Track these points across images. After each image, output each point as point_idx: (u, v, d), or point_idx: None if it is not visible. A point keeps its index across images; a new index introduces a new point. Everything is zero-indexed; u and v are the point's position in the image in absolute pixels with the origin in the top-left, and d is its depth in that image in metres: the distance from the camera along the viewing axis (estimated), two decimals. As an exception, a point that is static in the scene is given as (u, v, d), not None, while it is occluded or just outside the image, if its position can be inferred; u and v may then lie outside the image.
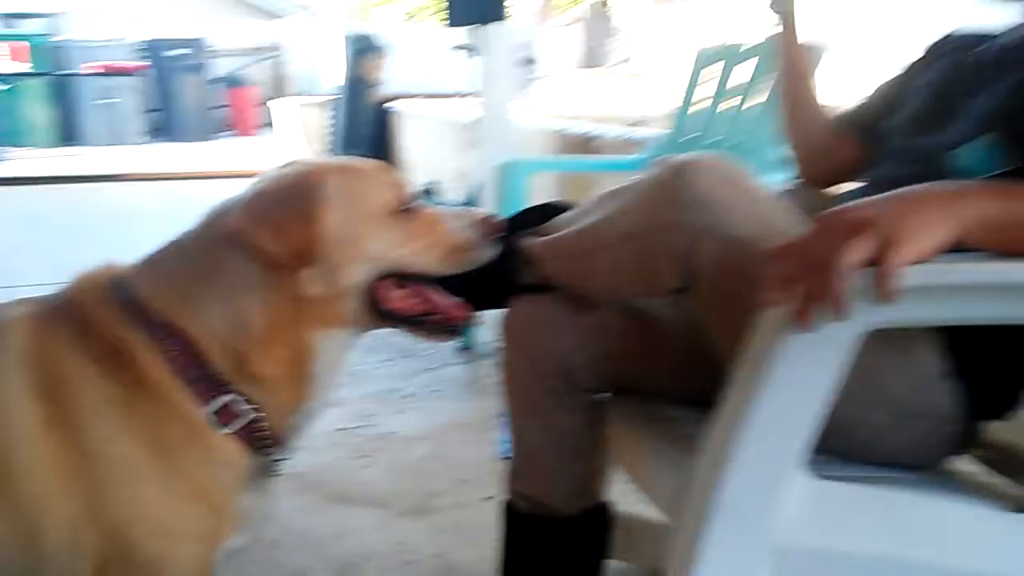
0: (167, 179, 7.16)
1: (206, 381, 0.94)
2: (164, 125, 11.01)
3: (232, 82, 11.73)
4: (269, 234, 0.94)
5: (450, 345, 2.68)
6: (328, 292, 0.97)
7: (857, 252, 0.72)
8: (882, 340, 0.84)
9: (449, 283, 1.09)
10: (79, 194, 6.56)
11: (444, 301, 1.07)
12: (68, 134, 10.47)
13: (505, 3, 3.16)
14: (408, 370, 2.54)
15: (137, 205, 6.11)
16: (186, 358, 0.94)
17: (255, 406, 0.97)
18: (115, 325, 0.94)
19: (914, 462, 0.97)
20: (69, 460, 0.90)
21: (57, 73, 10.54)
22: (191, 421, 0.94)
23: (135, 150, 8.04)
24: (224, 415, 0.95)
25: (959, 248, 0.77)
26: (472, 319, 1.10)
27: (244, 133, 11.67)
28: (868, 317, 0.77)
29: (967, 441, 0.99)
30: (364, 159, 1.07)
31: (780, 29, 1.38)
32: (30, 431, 0.89)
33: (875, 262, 0.73)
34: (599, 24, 13.30)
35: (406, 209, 1.03)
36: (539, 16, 13.54)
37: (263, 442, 0.99)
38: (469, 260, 1.07)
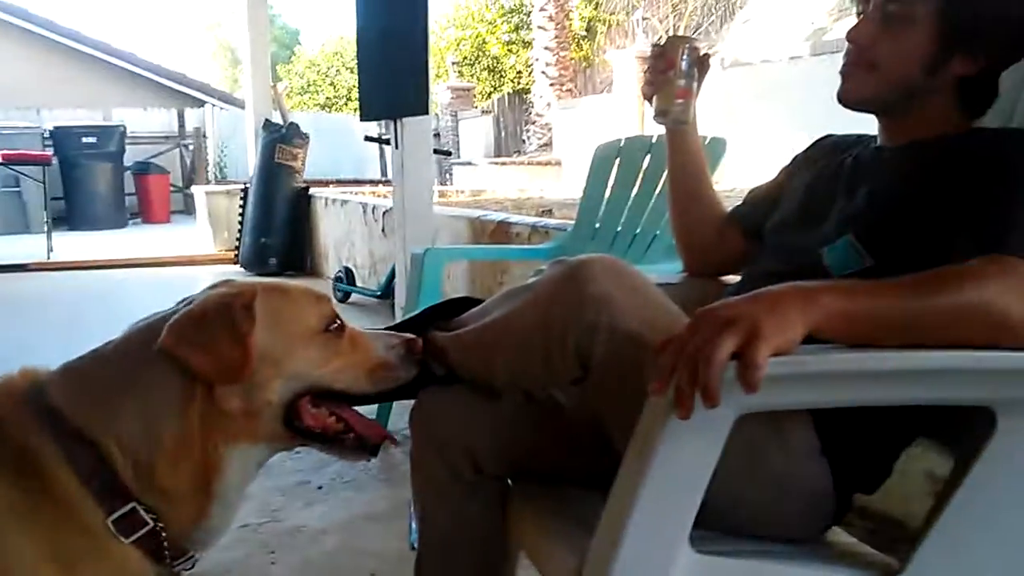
0: (71, 268, 6.97)
1: (110, 490, 0.95)
2: (72, 213, 10.74)
3: (144, 169, 11.58)
4: (197, 352, 0.97)
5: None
6: (247, 408, 1.00)
7: (725, 347, 0.80)
8: (757, 421, 0.91)
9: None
10: (-23, 285, 6.33)
11: (360, 421, 1.10)
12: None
13: (415, 100, 3.26)
14: (318, 461, 2.50)
15: (39, 295, 5.93)
16: (93, 467, 0.94)
17: (154, 516, 0.97)
18: (25, 431, 0.94)
19: (794, 535, 1.04)
20: None
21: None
22: (93, 530, 0.94)
23: (39, 239, 7.79)
24: (126, 525, 0.95)
25: (818, 339, 0.86)
26: (387, 439, 1.13)
27: (155, 221, 11.48)
28: (740, 402, 0.84)
29: (842, 513, 1.07)
30: (290, 281, 1.13)
31: (666, 134, 1.48)
32: None
33: (741, 355, 0.80)
34: (514, 114, 13.73)
35: (330, 329, 1.07)
36: (455, 106, 13.89)
37: (164, 553, 0.99)
38: (391, 380, 1.10)
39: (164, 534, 0.98)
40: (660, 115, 1.38)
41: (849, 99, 1.20)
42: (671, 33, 11.00)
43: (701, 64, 1.36)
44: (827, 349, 0.86)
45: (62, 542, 0.93)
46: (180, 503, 0.99)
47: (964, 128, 1.17)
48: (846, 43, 1.20)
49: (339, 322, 1.08)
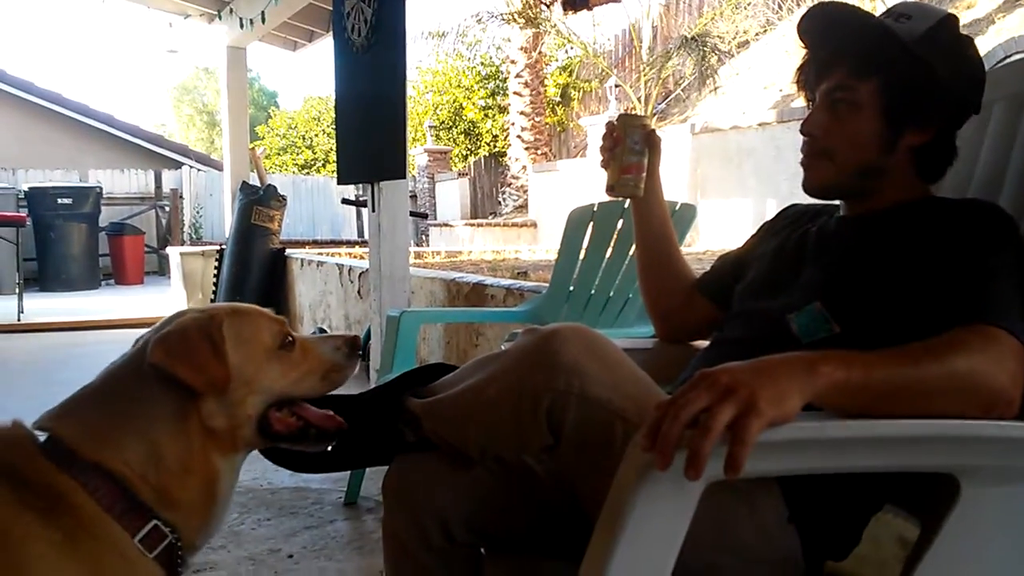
0: (40, 330, 6.88)
1: (132, 512, 1.03)
2: (44, 275, 10.64)
3: (118, 230, 11.54)
4: (185, 365, 1.06)
5: (334, 501, 2.64)
6: (230, 423, 1.11)
7: (722, 417, 0.80)
8: (726, 488, 0.92)
9: (337, 440, 1.20)
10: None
11: (316, 415, 1.19)
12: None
13: (393, 164, 3.30)
14: (289, 529, 2.46)
15: (6, 358, 5.83)
16: (114, 494, 1.02)
17: (171, 529, 1.06)
18: (45, 473, 1.01)
19: (766, 603, 1.04)
20: None
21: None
22: (127, 553, 1.03)
23: (9, 301, 7.71)
24: (149, 541, 1.04)
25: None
26: (344, 426, 1.20)
27: (129, 282, 11.40)
28: (715, 471, 0.85)
29: (812, 581, 1.07)
30: (243, 303, 1.22)
31: (631, 204, 1.51)
32: None
33: (734, 427, 0.80)
34: (490, 177, 13.89)
35: (285, 343, 1.17)
36: (432, 168, 14.04)
37: (178, 562, 1.08)
38: (341, 378, 1.22)
39: (179, 544, 1.07)
40: (609, 189, 1.43)
41: (812, 189, 1.25)
42: (644, 98, 11.25)
43: (651, 141, 1.40)
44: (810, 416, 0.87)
45: (106, 569, 1.01)
46: (191, 512, 1.09)
47: (922, 195, 1.21)
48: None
49: (292, 336, 1.18)
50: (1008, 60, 6.07)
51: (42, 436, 1.06)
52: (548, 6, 10.67)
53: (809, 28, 1.24)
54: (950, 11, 1.20)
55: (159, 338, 1.09)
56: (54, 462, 1.02)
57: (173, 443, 1.07)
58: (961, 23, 1.21)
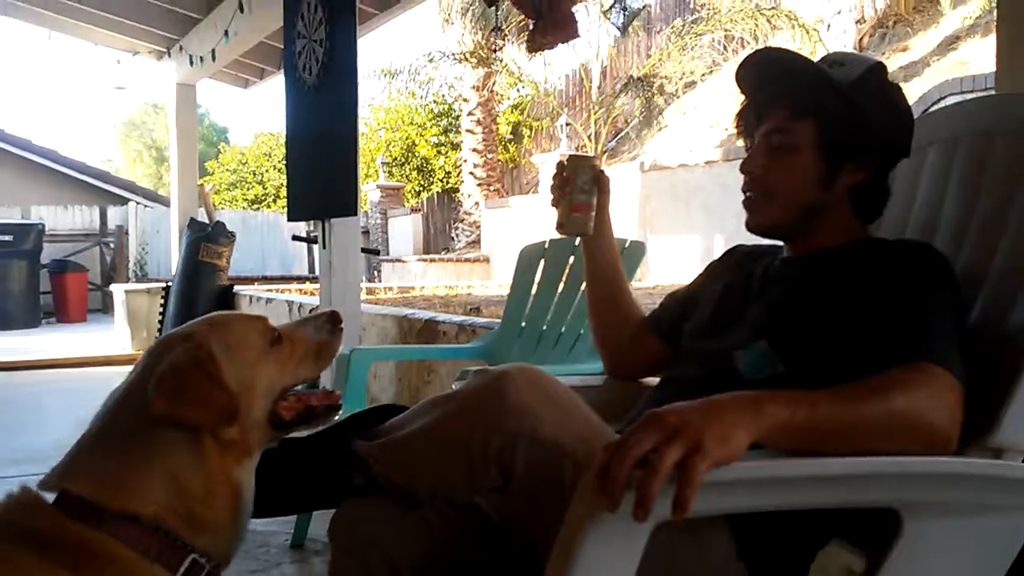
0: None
1: (171, 551, 1.02)
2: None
3: (61, 268, 11.27)
4: (191, 407, 1.04)
5: (280, 544, 2.59)
6: (243, 434, 1.09)
7: (669, 458, 0.81)
8: (675, 528, 0.92)
9: (281, 482, 1.18)
10: None
11: (316, 395, 1.20)
12: None
13: (344, 201, 3.30)
14: (234, 572, 2.37)
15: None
16: (147, 538, 1.00)
17: (206, 554, 1.05)
18: (75, 533, 0.98)
19: (716, 642, 1.04)
20: None
21: None
22: None
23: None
24: (191, 573, 1.03)
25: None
26: (339, 399, 1.22)
27: (71, 320, 11.11)
28: (663, 511, 0.85)
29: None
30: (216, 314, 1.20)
31: (580, 243, 1.53)
32: None
33: (681, 467, 0.81)
34: (443, 212, 13.93)
35: (273, 340, 1.15)
36: (384, 204, 14.02)
37: None
38: (331, 354, 1.23)
39: (215, 568, 1.06)
40: (559, 227, 1.45)
41: (756, 228, 1.29)
42: (593, 136, 11.43)
43: (599, 181, 1.42)
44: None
45: None
46: (222, 530, 1.07)
47: (861, 235, 1.25)
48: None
49: (276, 331, 1.17)
50: (942, 103, 6.32)
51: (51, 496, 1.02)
52: (498, 50, 10.82)
53: (747, 74, 1.29)
54: (884, 55, 1.25)
55: (156, 384, 1.05)
56: (80, 520, 0.99)
57: (194, 471, 1.05)
58: (897, 65, 1.27)
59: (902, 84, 1.29)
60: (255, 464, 1.13)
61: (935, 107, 4.53)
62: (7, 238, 10.47)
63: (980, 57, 8.20)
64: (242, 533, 1.12)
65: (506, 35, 10.17)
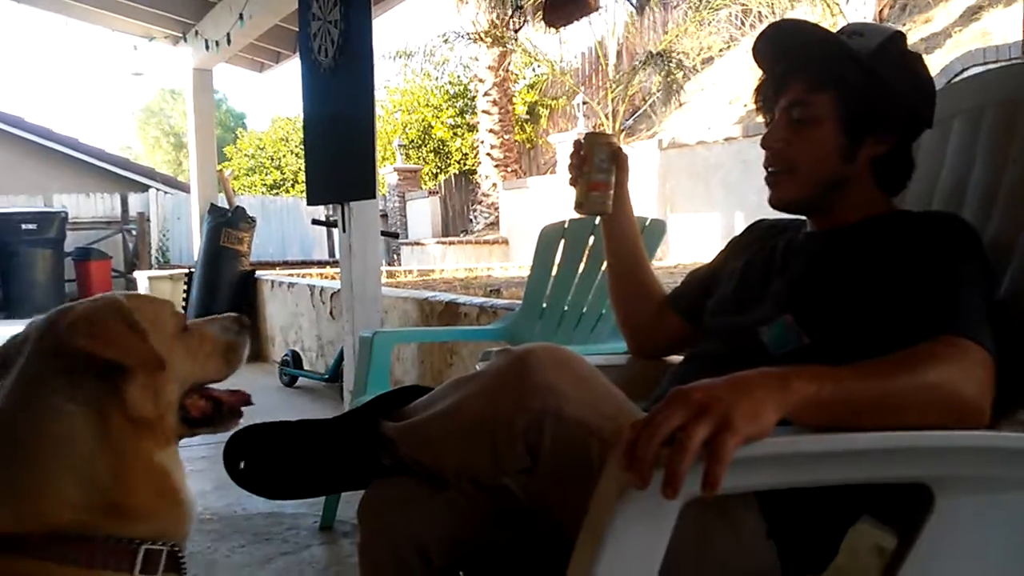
0: None
1: (115, 550, 0.96)
2: (8, 301, 10.46)
3: (85, 255, 11.38)
4: (115, 347, 0.98)
5: (309, 526, 2.61)
6: (156, 411, 1.03)
7: (698, 435, 0.79)
8: (704, 505, 0.92)
9: (309, 463, 1.16)
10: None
11: (224, 394, 1.18)
12: None
13: (363, 184, 3.30)
14: (264, 555, 2.43)
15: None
16: (85, 548, 0.94)
17: (160, 538, 1.00)
18: (6, 571, 0.91)
19: (745, 618, 1.04)
20: None
21: None
22: None
23: (-28, 328, 7.54)
24: (151, 565, 0.98)
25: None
26: (248, 398, 1.20)
27: (95, 306, 11.22)
28: (692, 488, 0.85)
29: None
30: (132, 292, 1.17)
31: (600, 222, 1.52)
32: None
33: (710, 444, 0.80)
34: (461, 194, 13.91)
35: (185, 329, 1.13)
36: (402, 187, 14.03)
37: (182, 565, 1.04)
38: (239, 358, 1.19)
39: (176, 548, 1.02)
40: (578, 206, 1.44)
41: (779, 204, 1.27)
42: (611, 114, 11.35)
43: (617, 158, 1.41)
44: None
45: None
46: (161, 516, 1.02)
47: (886, 209, 1.24)
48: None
49: (184, 320, 1.15)
50: (965, 74, 6.21)
51: None
52: (519, 28, 10.74)
53: (765, 48, 1.27)
54: (906, 27, 1.23)
55: (68, 326, 0.98)
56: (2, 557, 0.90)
57: (101, 458, 0.96)
58: (919, 37, 1.24)
59: (924, 56, 1.26)
60: (176, 455, 1.09)
61: (958, 79, 4.45)
62: (31, 226, 10.58)
63: (1004, 27, 8.04)
64: (190, 513, 1.07)
65: (525, 13, 10.09)
